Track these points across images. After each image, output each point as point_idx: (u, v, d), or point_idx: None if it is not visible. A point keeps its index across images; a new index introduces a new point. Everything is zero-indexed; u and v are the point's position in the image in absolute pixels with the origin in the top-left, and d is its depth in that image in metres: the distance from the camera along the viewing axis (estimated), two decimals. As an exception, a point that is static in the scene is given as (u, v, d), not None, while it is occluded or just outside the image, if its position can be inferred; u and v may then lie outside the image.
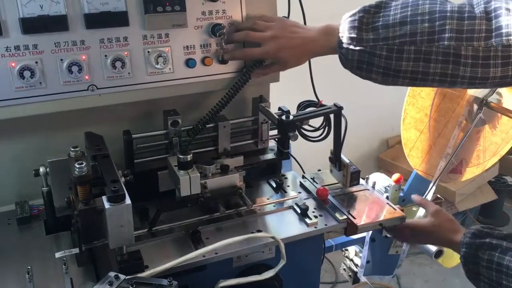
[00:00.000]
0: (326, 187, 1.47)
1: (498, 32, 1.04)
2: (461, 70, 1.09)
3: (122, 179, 1.16)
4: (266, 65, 1.37)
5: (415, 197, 1.55)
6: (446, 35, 1.07)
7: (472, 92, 1.76)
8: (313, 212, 1.39)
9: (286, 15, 1.46)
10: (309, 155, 1.80)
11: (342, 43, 1.19)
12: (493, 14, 1.05)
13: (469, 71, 1.08)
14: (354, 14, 1.18)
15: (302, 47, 1.29)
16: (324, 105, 1.48)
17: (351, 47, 1.17)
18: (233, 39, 1.35)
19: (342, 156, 1.47)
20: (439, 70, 1.10)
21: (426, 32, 1.09)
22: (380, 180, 1.58)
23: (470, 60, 1.07)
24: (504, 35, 1.03)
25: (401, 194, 1.59)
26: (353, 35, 1.16)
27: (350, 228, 1.36)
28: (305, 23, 1.48)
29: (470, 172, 2.01)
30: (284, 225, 1.35)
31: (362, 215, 1.38)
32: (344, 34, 1.18)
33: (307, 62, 1.52)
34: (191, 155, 1.26)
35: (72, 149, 1.18)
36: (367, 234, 1.68)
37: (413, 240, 1.53)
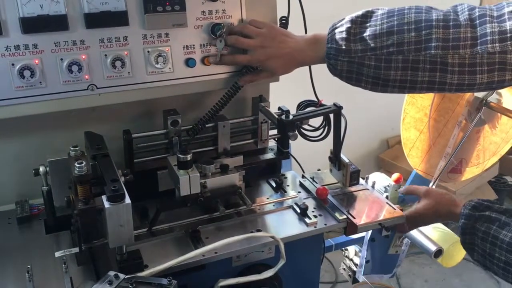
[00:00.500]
0: (325, 186, 1.47)
1: (483, 39, 1.06)
2: (449, 77, 1.11)
3: (122, 179, 1.16)
4: (254, 72, 1.38)
5: (402, 190, 1.55)
6: (433, 44, 1.09)
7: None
8: (313, 211, 1.39)
9: (286, 15, 1.46)
10: (309, 155, 1.80)
11: (331, 54, 1.21)
12: (477, 21, 1.07)
13: (456, 78, 1.11)
14: (341, 25, 1.20)
15: (290, 56, 1.30)
16: (324, 105, 1.48)
17: (340, 58, 1.19)
18: (220, 63, 1.37)
19: (342, 155, 1.47)
20: (427, 78, 1.13)
21: (413, 41, 1.11)
22: (380, 180, 1.58)
23: (457, 67, 1.09)
24: (489, 42, 1.05)
25: (400, 194, 1.58)
26: (342, 47, 1.18)
27: (350, 227, 1.36)
28: (304, 23, 1.49)
29: (470, 172, 2.01)
30: (284, 225, 1.35)
31: (361, 214, 1.38)
32: (332, 45, 1.20)
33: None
34: (190, 154, 1.27)
35: (72, 149, 1.18)
36: (366, 234, 1.68)
37: (414, 227, 1.53)
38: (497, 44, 1.05)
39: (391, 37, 1.12)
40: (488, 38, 1.05)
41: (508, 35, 1.04)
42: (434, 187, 1.81)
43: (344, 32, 1.18)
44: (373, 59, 1.15)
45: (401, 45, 1.12)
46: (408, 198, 1.65)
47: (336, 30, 1.20)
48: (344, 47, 1.17)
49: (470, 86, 1.11)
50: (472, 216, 1.25)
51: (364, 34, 1.16)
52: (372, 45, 1.14)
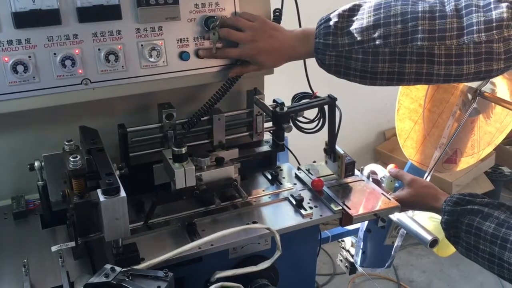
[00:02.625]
0: (321, 178, 1.47)
1: (470, 29, 1.06)
2: (436, 68, 1.12)
3: (117, 172, 1.17)
4: (243, 65, 1.38)
5: (391, 170, 1.56)
6: (419, 35, 1.10)
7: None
8: (308, 203, 1.39)
9: (279, 7, 1.46)
10: (304, 147, 1.81)
11: (319, 49, 1.21)
12: (463, 12, 1.08)
13: (443, 69, 1.11)
14: (328, 19, 1.21)
15: (279, 51, 1.31)
16: (318, 97, 1.48)
17: (328, 52, 1.20)
18: (211, 57, 1.37)
19: (337, 147, 1.48)
20: (414, 69, 1.14)
21: (399, 33, 1.12)
22: (375, 171, 1.58)
23: (444, 58, 1.10)
24: (475, 32, 1.06)
25: (397, 184, 1.59)
26: (329, 41, 1.19)
27: (345, 218, 1.37)
28: (298, 15, 1.49)
29: (465, 162, 2.02)
30: (280, 217, 1.36)
31: (357, 205, 1.39)
32: (320, 39, 1.20)
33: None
34: (185, 147, 1.27)
35: (66, 143, 1.18)
36: (362, 225, 1.69)
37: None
38: (483, 34, 1.05)
39: (377, 30, 1.13)
40: (474, 28, 1.06)
41: (494, 24, 1.04)
42: (429, 177, 1.82)
43: (332, 27, 1.19)
44: (360, 52, 1.16)
45: (387, 38, 1.12)
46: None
47: (324, 25, 1.21)
48: (331, 42, 1.18)
49: (458, 76, 1.12)
50: (455, 211, 1.26)
51: (351, 28, 1.16)
52: (359, 38, 1.15)
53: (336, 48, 1.18)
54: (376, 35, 1.13)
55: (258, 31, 1.31)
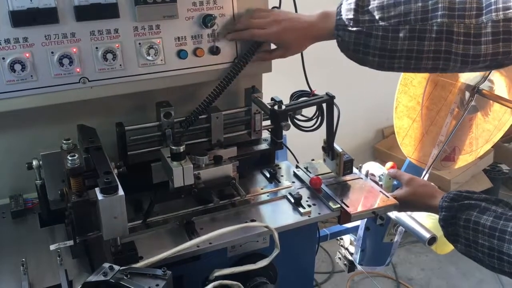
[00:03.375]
0: (319, 176, 1.47)
1: (488, 8, 1.07)
2: (454, 47, 1.12)
3: (115, 171, 1.17)
4: (269, 50, 1.40)
5: (390, 170, 1.56)
6: (439, 12, 1.11)
7: (464, 79, 1.77)
8: (307, 201, 1.40)
9: (277, 6, 1.46)
10: (303, 146, 1.81)
11: (340, 25, 1.22)
12: None
13: (462, 48, 1.12)
14: None
15: (304, 30, 1.32)
16: (316, 95, 1.48)
17: (348, 28, 1.21)
18: (238, 38, 1.39)
19: (335, 145, 1.48)
20: (433, 47, 1.14)
21: (419, 11, 1.13)
22: (374, 169, 1.58)
23: (462, 37, 1.11)
24: (493, 11, 1.07)
25: (395, 182, 1.59)
26: (350, 17, 1.20)
27: (344, 216, 1.37)
28: (296, 12, 1.48)
29: (463, 160, 2.02)
30: (278, 215, 1.36)
31: (355, 203, 1.39)
32: (341, 16, 1.22)
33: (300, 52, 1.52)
34: (183, 146, 1.27)
35: (64, 142, 1.18)
36: (361, 223, 1.69)
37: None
38: (501, 12, 1.06)
39: (398, 8, 1.15)
40: (493, 7, 1.07)
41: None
42: (427, 175, 1.82)
43: (353, 4, 1.20)
44: (381, 29, 1.17)
45: (408, 15, 1.14)
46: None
47: (345, 3, 1.22)
48: (352, 17, 1.20)
49: (475, 57, 1.12)
50: (452, 207, 1.25)
51: (372, 6, 1.18)
52: (379, 16, 1.17)
53: (356, 24, 1.19)
54: (396, 12, 1.15)
55: (280, 14, 1.35)
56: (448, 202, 1.27)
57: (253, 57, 1.40)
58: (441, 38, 1.12)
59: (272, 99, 1.49)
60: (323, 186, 1.45)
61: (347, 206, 1.37)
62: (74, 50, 1.24)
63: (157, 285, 1.00)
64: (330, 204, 1.37)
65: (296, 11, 1.48)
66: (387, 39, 1.17)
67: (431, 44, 1.14)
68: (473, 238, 1.19)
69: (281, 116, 1.35)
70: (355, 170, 1.52)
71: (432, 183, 1.49)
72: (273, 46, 1.43)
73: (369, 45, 1.19)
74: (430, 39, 1.13)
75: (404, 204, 1.44)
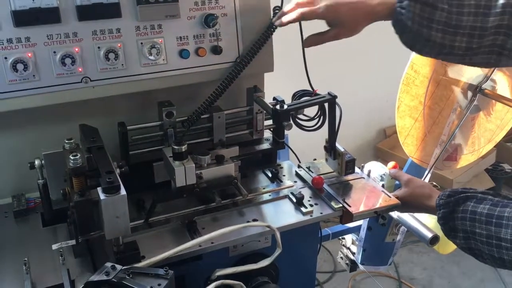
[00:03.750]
0: (321, 176, 1.47)
1: None
2: None
3: (117, 171, 1.17)
4: (321, 33, 1.29)
5: (391, 170, 1.56)
6: None
7: (466, 79, 1.76)
8: (309, 201, 1.39)
9: (279, 6, 1.45)
10: (305, 145, 1.81)
11: None
12: None
13: None
14: None
15: (361, 4, 1.22)
16: (318, 95, 1.48)
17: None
18: (286, 20, 1.29)
19: (337, 144, 1.48)
20: (497, 22, 1.11)
21: None
22: (376, 169, 1.58)
23: None
24: None
25: (397, 182, 1.59)
26: None
27: (346, 216, 1.37)
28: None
29: (465, 159, 2.01)
30: (280, 214, 1.36)
31: (357, 203, 1.39)
32: None
33: (301, 51, 1.52)
34: (185, 145, 1.27)
35: (66, 141, 1.18)
36: (363, 222, 1.69)
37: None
38: None
39: None
40: None
41: None
42: (429, 175, 1.82)
43: None
44: (446, 2, 1.13)
45: None
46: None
47: None
48: None
49: None
50: (449, 202, 1.24)
51: None
52: None
53: None
54: None
55: None
56: (444, 199, 1.26)
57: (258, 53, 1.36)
58: (504, 12, 1.10)
59: (274, 98, 1.49)
60: (325, 186, 1.45)
61: (349, 206, 1.36)
62: (76, 49, 1.24)
63: (159, 284, 1.00)
64: (332, 203, 1.37)
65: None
66: (452, 14, 1.13)
67: (496, 19, 1.11)
68: (471, 228, 1.17)
69: (283, 116, 1.35)
70: (357, 169, 1.52)
71: (430, 184, 1.48)
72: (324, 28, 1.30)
73: (433, 19, 1.14)
74: (495, 14, 1.11)
75: (403, 205, 1.44)
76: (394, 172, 1.54)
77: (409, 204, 1.44)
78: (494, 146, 2.21)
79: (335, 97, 1.41)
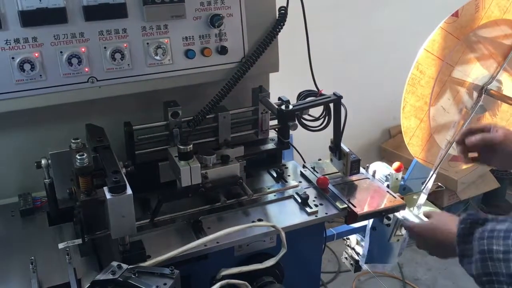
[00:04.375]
0: (326, 176, 1.47)
1: None
2: None
3: (123, 170, 1.17)
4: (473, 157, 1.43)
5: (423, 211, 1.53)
6: None
7: (472, 79, 1.76)
8: (314, 201, 1.40)
9: (285, 6, 1.46)
10: (310, 145, 1.80)
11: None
12: None
13: None
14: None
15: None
16: (324, 95, 1.48)
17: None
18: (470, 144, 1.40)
19: (342, 145, 1.48)
20: None
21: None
22: (381, 169, 1.58)
23: None
24: None
25: (402, 182, 1.59)
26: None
27: (350, 216, 1.37)
28: (304, 14, 1.48)
29: (471, 160, 2.00)
30: (285, 214, 1.36)
31: (362, 203, 1.39)
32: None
33: (307, 52, 1.52)
34: (191, 145, 1.27)
35: (73, 141, 1.19)
36: (368, 223, 1.69)
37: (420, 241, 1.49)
38: None
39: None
40: None
41: None
42: (434, 175, 1.81)
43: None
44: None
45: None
46: (409, 187, 1.66)
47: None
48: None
49: None
50: (467, 219, 1.17)
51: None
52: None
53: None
54: None
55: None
56: (463, 218, 1.18)
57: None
58: None
59: (279, 98, 1.49)
60: (330, 186, 1.45)
61: (354, 206, 1.37)
62: (83, 49, 1.25)
63: (164, 284, 1.01)
64: (337, 204, 1.38)
65: (303, 10, 1.48)
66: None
67: None
68: (488, 247, 1.11)
69: (288, 116, 1.36)
70: (362, 170, 1.52)
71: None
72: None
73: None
74: None
75: (427, 232, 1.38)
76: (426, 212, 1.50)
77: (432, 231, 1.37)
78: (500, 147, 2.19)
79: (340, 97, 1.41)
